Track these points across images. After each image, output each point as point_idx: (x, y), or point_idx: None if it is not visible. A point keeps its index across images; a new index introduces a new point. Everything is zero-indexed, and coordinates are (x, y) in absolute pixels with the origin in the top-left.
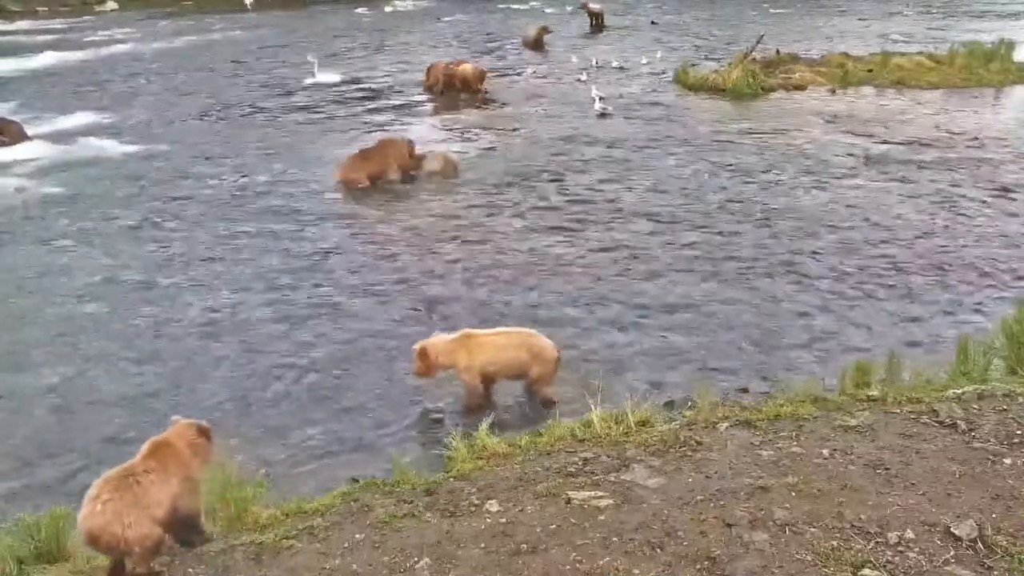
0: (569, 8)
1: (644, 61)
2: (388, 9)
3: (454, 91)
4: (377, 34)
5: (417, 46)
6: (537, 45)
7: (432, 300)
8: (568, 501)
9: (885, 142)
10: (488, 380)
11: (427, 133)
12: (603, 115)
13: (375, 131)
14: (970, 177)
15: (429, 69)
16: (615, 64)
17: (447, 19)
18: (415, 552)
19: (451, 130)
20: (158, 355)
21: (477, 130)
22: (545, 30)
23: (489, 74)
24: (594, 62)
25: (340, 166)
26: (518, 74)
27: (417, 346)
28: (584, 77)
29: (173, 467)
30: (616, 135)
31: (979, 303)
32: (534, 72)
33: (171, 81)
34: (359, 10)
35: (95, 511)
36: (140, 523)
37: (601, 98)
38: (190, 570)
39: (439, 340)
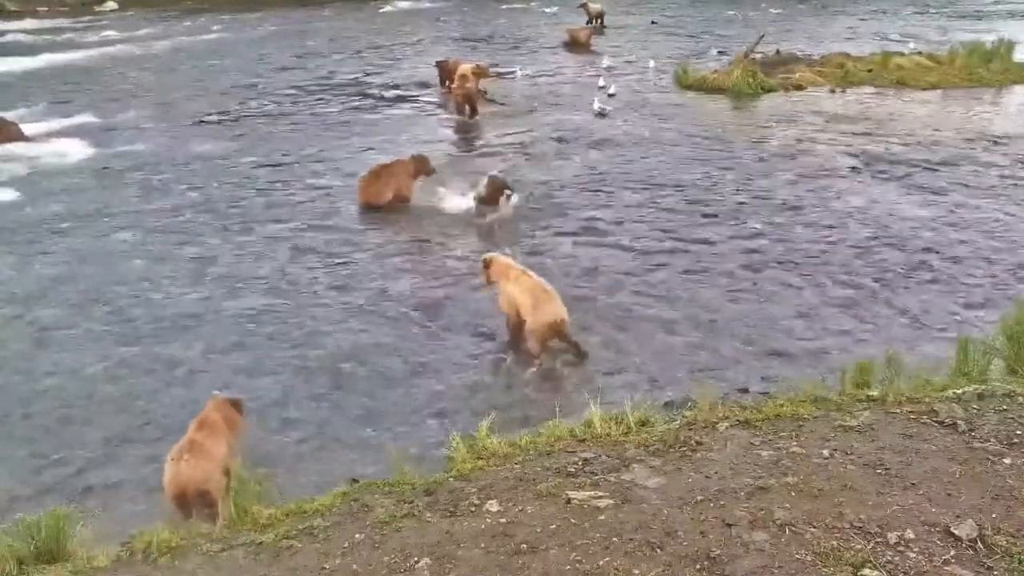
0: (554, 9)
1: (651, 64)
2: (385, 9)
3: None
4: (378, 34)
5: (418, 45)
6: (586, 45)
7: (432, 303)
8: (568, 501)
9: (885, 142)
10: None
11: (432, 139)
12: (601, 115)
13: (379, 136)
14: (973, 176)
15: (448, 73)
16: (614, 64)
17: (446, 19)
18: (415, 552)
19: (453, 134)
20: (157, 355)
21: (476, 133)
22: (595, 31)
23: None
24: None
25: (381, 186)
26: (511, 74)
27: (486, 256)
28: (603, 82)
29: (216, 438)
30: (614, 135)
31: (982, 302)
32: (524, 73)
33: (171, 82)
34: (357, 12)
35: (197, 462)
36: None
37: (611, 95)
38: (189, 568)
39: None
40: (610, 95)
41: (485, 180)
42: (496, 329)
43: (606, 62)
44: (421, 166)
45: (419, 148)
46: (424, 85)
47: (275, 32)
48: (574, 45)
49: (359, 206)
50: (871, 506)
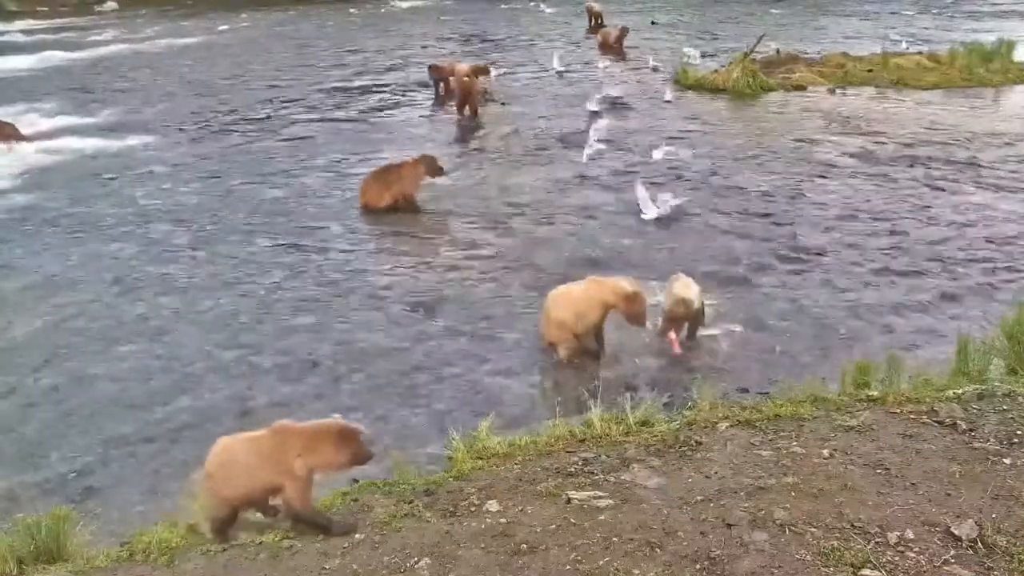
0: (555, 9)
1: (651, 64)
2: (385, 8)
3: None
4: (379, 33)
5: (418, 45)
6: (618, 47)
7: (432, 303)
8: (568, 501)
9: (887, 141)
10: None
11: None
12: (596, 114)
13: (380, 137)
14: (973, 175)
15: (447, 78)
16: (614, 63)
17: (446, 18)
18: (415, 552)
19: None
20: (157, 355)
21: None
22: (625, 32)
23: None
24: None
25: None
26: (499, 74)
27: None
28: (613, 91)
29: None
30: (613, 134)
31: (982, 300)
32: (504, 72)
33: (170, 82)
34: (353, 10)
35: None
36: None
37: (605, 94)
38: (189, 568)
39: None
40: (596, 95)
41: (676, 296)
42: (496, 328)
43: (605, 62)
44: (429, 167)
45: (421, 149)
46: (425, 85)
47: (276, 31)
48: (605, 48)
49: (360, 208)
50: (871, 506)
